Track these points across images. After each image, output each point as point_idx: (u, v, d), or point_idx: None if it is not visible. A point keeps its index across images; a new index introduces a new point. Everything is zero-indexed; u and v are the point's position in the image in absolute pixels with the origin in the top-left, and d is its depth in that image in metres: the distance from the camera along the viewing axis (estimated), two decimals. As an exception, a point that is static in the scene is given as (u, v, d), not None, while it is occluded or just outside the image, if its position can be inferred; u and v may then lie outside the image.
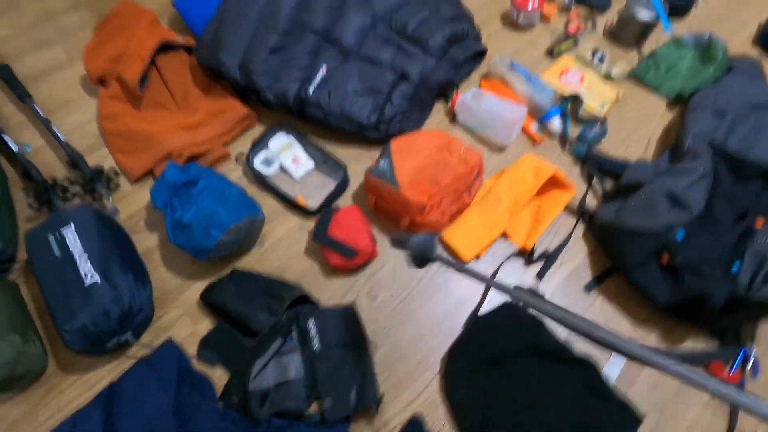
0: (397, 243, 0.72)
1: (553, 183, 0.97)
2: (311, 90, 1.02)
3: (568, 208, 0.99)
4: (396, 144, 0.96)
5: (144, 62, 1.05)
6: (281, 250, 0.96)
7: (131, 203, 1.01)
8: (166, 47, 1.10)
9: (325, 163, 1.04)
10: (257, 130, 1.10)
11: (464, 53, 1.12)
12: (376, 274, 0.93)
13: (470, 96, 1.07)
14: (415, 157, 0.94)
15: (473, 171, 0.97)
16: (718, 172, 0.90)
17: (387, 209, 0.96)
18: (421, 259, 0.66)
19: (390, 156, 0.94)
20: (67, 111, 1.13)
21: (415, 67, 1.06)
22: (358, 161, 1.06)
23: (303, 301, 0.88)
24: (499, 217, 0.94)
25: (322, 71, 1.04)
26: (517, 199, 0.96)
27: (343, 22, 1.08)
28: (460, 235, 0.93)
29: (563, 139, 1.08)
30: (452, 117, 1.12)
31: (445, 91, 1.14)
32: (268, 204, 1.00)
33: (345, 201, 1.02)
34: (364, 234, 0.91)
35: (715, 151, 0.92)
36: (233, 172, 1.04)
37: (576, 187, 0.98)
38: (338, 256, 0.89)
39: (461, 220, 0.95)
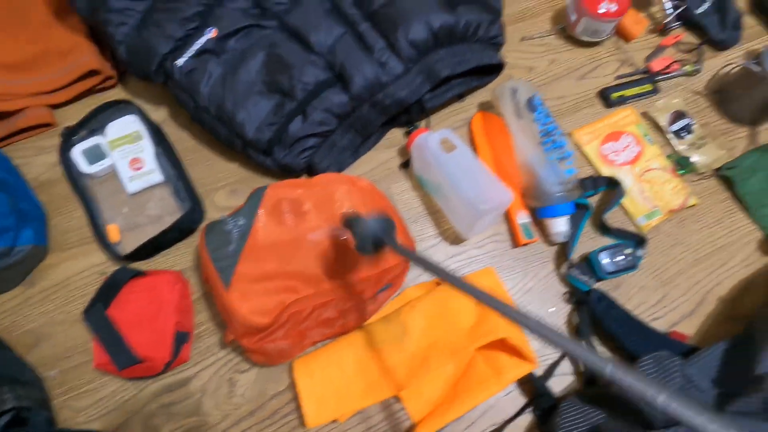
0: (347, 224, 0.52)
1: (503, 341, 0.56)
2: (181, 62, 0.63)
3: (521, 381, 0.59)
4: (275, 192, 0.57)
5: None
6: (57, 301, 0.61)
7: None
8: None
9: (180, 182, 0.67)
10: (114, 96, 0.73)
11: (456, 65, 0.67)
12: (175, 389, 0.58)
13: (436, 140, 0.64)
14: (300, 224, 0.56)
15: (383, 278, 0.58)
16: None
17: (215, 302, 0.59)
18: (373, 244, 0.48)
19: (254, 214, 0.56)
20: None
21: (365, 68, 0.64)
22: (234, 191, 0.68)
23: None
24: (391, 367, 0.56)
25: (208, 36, 0.64)
26: (434, 345, 0.57)
27: (275, -38, 0.66)
28: (318, 383, 0.56)
29: (564, 254, 0.65)
30: (406, 161, 0.71)
31: (409, 115, 0.71)
32: (72, 219, 0.66)
33: (184, 254, 0.65)
34: (165, 330, 0.55)
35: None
36: (49, 153, 0.69)
37: (536, 362, 0.57)
38: (106, 354, 0.54)
39: (330, 352, 0.57)
